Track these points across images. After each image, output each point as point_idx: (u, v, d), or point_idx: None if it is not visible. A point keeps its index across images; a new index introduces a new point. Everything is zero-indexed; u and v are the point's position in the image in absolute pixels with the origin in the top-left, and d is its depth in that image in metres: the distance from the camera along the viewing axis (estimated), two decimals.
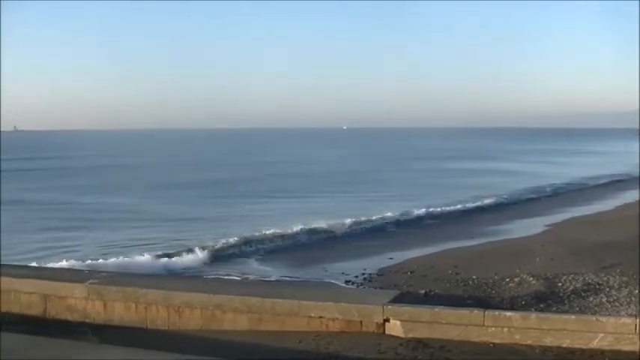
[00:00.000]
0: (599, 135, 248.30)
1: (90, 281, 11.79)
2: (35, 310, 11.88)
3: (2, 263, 15.07)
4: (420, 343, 9.71)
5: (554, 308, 13.12)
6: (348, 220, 29.04)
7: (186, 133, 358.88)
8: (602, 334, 9.34)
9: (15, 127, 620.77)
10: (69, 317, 11.64)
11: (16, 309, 11.98)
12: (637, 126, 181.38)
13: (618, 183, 51.56)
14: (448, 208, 34.78)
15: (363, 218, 30.14)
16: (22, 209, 37.55)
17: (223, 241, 24.96)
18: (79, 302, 11.62)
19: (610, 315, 11.76)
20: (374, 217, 30.74)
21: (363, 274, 18.80)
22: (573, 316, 10.21)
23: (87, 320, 11.51)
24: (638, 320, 9.30)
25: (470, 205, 36.53)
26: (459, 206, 35.84)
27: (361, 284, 17.63)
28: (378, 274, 18.70)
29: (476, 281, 16.19)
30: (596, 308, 13.17)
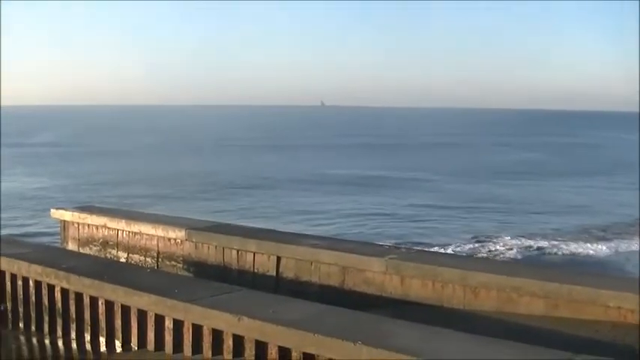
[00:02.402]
0: None
1: (389, 256, 12.16)
2: (333, 281, 12.56)
3: (303, 233, 16.06)
4: None
5: None
6: None
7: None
8: None
9: (322, 102, 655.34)
10: (366, 290, 12.15)
11: (315, 278, 12.80)
12: None
13: None
14: None
15: None
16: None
17: None
18: (376, 276, 12.05)
19: None
20: None
21: None
22: None
23: (383, 294, 11.95)
24: None
25: None
26: None
27: None
28: None
29: None
30: None
